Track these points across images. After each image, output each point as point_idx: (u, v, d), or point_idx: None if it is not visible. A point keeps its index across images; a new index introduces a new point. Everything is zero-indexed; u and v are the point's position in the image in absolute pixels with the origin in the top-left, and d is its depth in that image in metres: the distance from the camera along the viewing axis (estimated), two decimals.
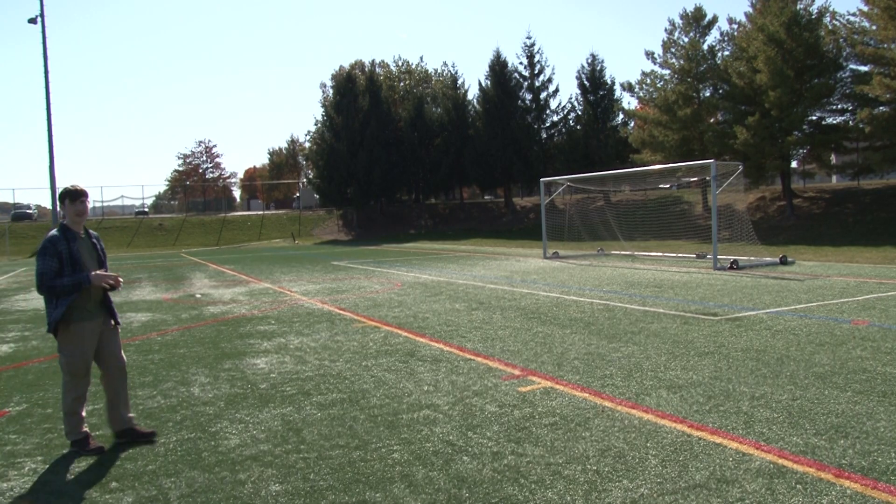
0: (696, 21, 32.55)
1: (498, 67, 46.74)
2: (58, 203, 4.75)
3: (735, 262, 15.86)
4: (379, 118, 49.19)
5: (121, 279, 4.79)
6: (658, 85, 33.54)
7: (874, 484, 3.61)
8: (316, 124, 58.56)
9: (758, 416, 4.81)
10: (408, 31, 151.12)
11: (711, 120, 32.31)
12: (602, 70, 44.23)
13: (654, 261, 19.09)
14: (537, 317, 9.59)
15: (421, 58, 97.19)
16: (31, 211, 55.67)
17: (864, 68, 26.79)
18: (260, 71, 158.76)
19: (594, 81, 44.04)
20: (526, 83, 47.27)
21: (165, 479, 4.13)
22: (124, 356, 4.94)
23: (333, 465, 4.22)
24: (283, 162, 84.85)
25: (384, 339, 8.39)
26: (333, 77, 55.19)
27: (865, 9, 25.78)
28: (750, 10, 31.41)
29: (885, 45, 24.69)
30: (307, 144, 71.25)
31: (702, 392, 5.46)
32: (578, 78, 44.63)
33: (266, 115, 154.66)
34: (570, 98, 55.27)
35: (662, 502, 3.51)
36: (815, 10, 27.45)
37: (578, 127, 44.77)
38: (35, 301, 14.41)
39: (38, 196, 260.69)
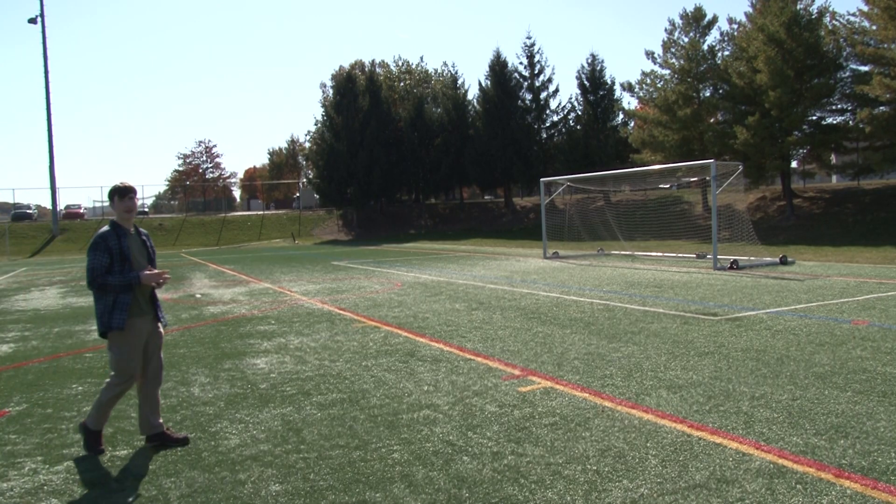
0: (696, 21, 32.55)
1: (498, 67, 46.73)
2: (105, 200, 4.72)
3: (735, 262, 15.86)
4: (379, 118, 49.19)
5: (167, 275, 4.77)
6: (658, 85, 33.54)
7: (874, 484, 3.61)
8: (316, 124, 58.62)
9: (758, 416, 4.81)
10: (408, 31, 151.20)
11: (711, 120, 32.31)
12: (602, 70, 44.23)
13: (654, 261, 19.09)
14: (537, 317, 9.59)
15: (421, 58, 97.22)
16: (31, 211, 55.55)
17: (864, 68, 26.80)
18: (260, 71, 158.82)
19: (594, 81, 44.03)
20: (526, 83, 47.26)
21: (165, 479, 4.13)
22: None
23: (333, 465, 4.22)
24: (283, 162, 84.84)
25: (384, 339, 8.39)
26: (333, 77, 55.21)
27: (865, 9, 25.79)
28: (750, 10, 31.43)
29: (885, 45, 24.69)
30: (307, 144, 71.28)
31: (702, 392, 5.46)
32: (578, 78, 44.64)
33: (266, 115, 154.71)
34: (570, 98, 55.31)
35: (662, 502, 3.51)
36: (815, 10, 27.46)
37: (578, 127, 44.76)
38: (35, 301, 14.42)
39: (38, 196, 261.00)
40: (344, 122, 49.01)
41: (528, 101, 47.11)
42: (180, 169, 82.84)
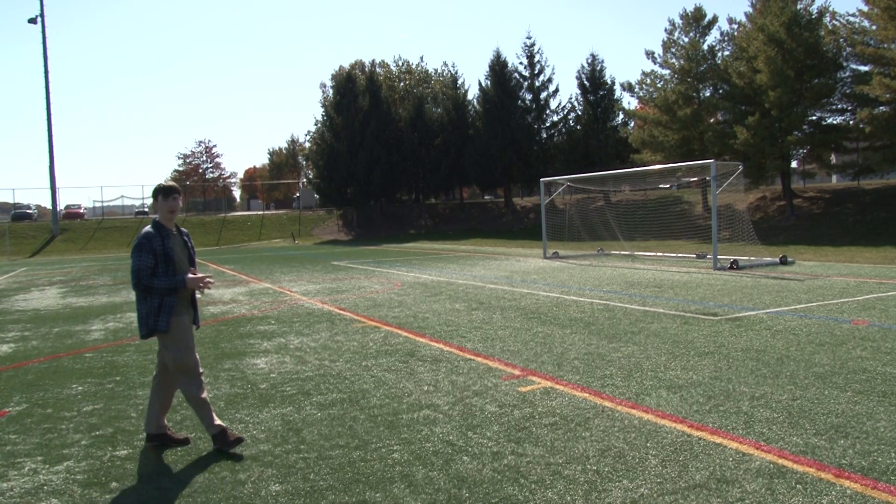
0: (696, 21, 32.56)
1: (498, 67, 46.73)
2: (149, 200, 4.65)
3: (735, 262, 15.86)
4: (379, 118, 49.19)
5: (211, 280, 4.76)
6: (658, 85, 33.54)
7: (874, 484, 3.61)
8: (316, 124, 58.60)
9: (758, 416, 4.81)
10: (408, 31, 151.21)
11: (711, 120, 32.31)
12: (602, 70, 44.22)
13: (654, 261, 19.09)
14: (537, 317, 9.59)
15: (421, 58, 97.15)
16: (31, 211, 55.54)
17: (864, 68, 26.80)
18: (260, 71, 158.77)
19: (594, 81, 44.03)
20: (526, 83, 47.26)
21: (165, 479, 4.13)
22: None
23: (333, 465, 4.22)
24: (283, 162, 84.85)
25: (384, 339, 8.39)
26: (333, 77, 55.17)
27: (865, 9, 25.79)
28: (750, 10, 31.44)
29: (885, 45, 24.69)
30: (307, 144, 71.26)
31: (702, 392, 5.46)
32: (578, 78, 44.63)
33: (266, 115, 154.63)
34: (570, 98, 55.35)
35: (662, 502, 3.51)
36: (815, 10, 27.46)
37: (578, 127, 44.76)
38: (35, 301, 14.42)
39: (38, 196, 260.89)
40: (344, 122, 49.01)
41: (528, 101, 47.11)
42: (180, 169, 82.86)
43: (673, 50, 33.13)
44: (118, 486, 4.05)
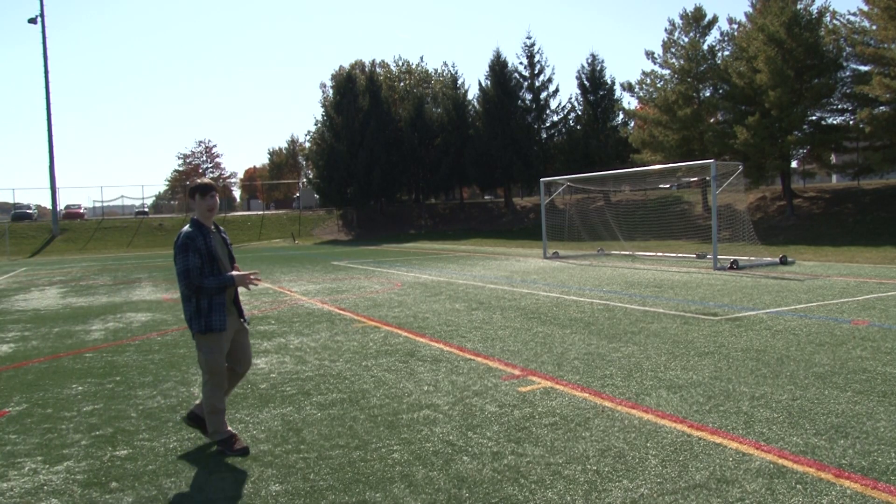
0: (696, 21, 32.55)
1: (498, 67, 46.74)
2: (186, 198, 4.64)
3: (735, 262, 15.86)
4: (379, 118, 49.19)
5: (258, 277, 4.73)
6: (658, 85, 33.53)
7: (874, 484, 3.61)
8: (316, 124, 58.57)
9: (758, 416, 4.81)
10: (408, 32, 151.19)
11: (711, 120, 32.31)
12: (602, 70, 44.25)
13: (654, 261, 19.09)
14: (537, 317, 9.59)
15: (421, 58, 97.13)
16: (31, 211, 55.51)
17: (864, 68, 26.79)
18: (260, 71, 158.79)
19: (594, 81, 44.04)
20: (526, 83, 47.28)
21: (165, 479, 4.13)
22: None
23: (333, 465, 4.22)
24: (283, 162, 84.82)
25: (384, 339, 8.39)
26: (333, 77, 55.18)
27: (865, 9, 25.79)
28: (750, 10, 31.43)
29: (885, 45, 24.69)
30: (307, 144, 71.23)
31: (702, 392, 5.46)
32: (578, 78, 44.65)
33: (266, 115, 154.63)
34: (570, 98, 55.33)
35: (662, 502, 3.51)
36: (816, 10, 27.46)
37: (578, 127, 44.77)
38: (35, 301, 14.42)
39: (38, 196, 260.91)
40: (344, 122, 49.01)
41: (528, 101, 47.13)
42: (180, 169, 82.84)
43: (673, 50, 33.12)
44: (118, 486, 4.05)
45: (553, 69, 78.00)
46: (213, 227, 4.69)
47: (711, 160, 16.99)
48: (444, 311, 10.45)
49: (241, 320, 4.80)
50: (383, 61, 62.74)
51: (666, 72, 33.43)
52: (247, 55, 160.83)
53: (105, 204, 58.91)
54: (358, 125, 48.49)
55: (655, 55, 33.92)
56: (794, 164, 32.77)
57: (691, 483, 3.73)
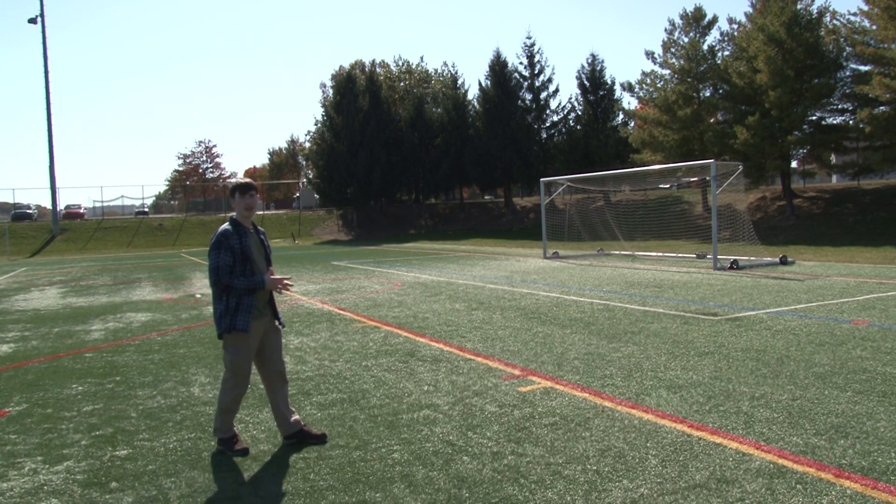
0: (696, 21, 32.56)
1: (498, 67, 46.73)
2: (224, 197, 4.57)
3: (735, 262, 15.86)
4: (379, 118, 49.18)
5: (290, 284, 4.68)
6: (658, 85, 33.54)
7: (874, 484, 3.61)
8: (316, 124, 58.57)
9: (758, 416, 4.81)
10: (408, 32, 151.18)
11: (711, 120, 32.32)
12: (602, 70, 44.24)
13: (654, 261, 19.09)
14: (537, 317, 9.59)
15: (421, 58, 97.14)
16: (31, 211, 55.50)
17: (864, 68, 26.80)
18: (260, 71, 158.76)
19: (594, 81, 44.04)
20: (526, 83, 47.27)
21: (165, 479, 4.13)
22: (284, 360, 4.85)
23: (333, 465, 4.22)
24: (283, 162, 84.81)
25: (384, 339, 8.39)
26: (333, 77, 55.20)
27: (865, 8, 25.79)
28: (750, 10, 31.45)
29: (885, 45, 24.69)
30: (307, 144, 71.25)
31: (702, 392, 5.46)
32: (578, 78, 44.64)
33: (266, 115, 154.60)
34: (570, 98, 55.28)
35: (662, 502, 3.51)
36: (816, 10, 27.47)
37: (578, 127, 44.77)
38: (35, 301, 14.42)
39: (38, 196, 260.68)
40: (344, 122, 49.01)
41: (528, 101, 47.11)
42: (180, 169, 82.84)
43: (673, 50, 33.13)
44: (118, 486, 4.04)
45: (553, 69, 78.12)
46: (251, 227, 4.66)
47: (711, 160, 16.99)
48: (444, 311, 10.45)
49: (276, 322, 4.74)
50: (383, 61, 62.81)
51: (666, 72, 33.45)
52: (247, 55, 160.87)
53: (105, 204, 58.94)
54: (358, 125, 48.49)
55: (655, 55, 33.94)
56: (794, 164, 32.79)
57: (691, 483, 3.73)
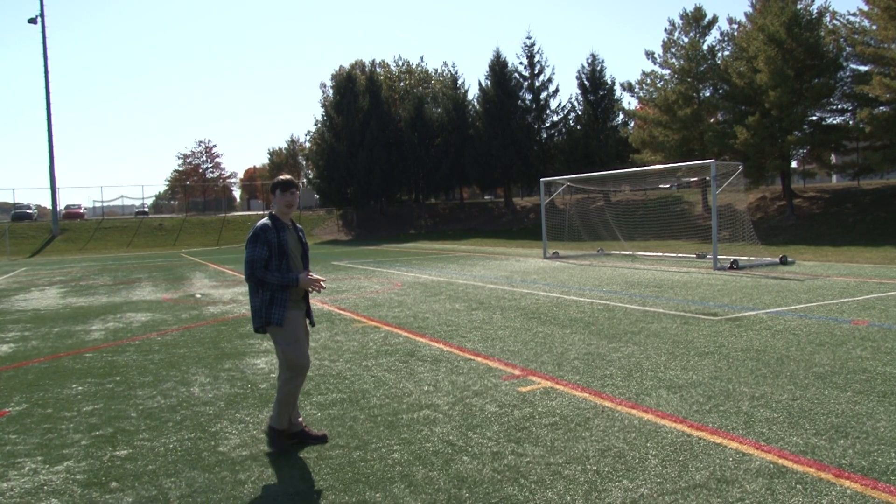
0: (696, 21, 32.56)
1: (498, 67, 46.74)
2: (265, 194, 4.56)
3: (735, 262, 15.86)
4: (379, 118, 49.18)
5: (324, 284, 4.66)
6: (658, 85, 33.55)
7: (874, 484, 3.61)
8: (316, 124, 58.60)
9: (758, 416, 4.81)
10: (408, 32, 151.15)
11: (711, 120, 32.32)
12: (602, 70, 44.27)
13: (654, 261, 19.09)
14: (537, 317, 9.58)
15: (421, 58, 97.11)
16: (31, 211, 55.49)
17: (864, 68, 26.80)
18: (260, 71, 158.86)
19: (594, 81, 44.05)
20: (526, 83, 47.28)
21: (165, 479, 4.13)
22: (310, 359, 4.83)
23: (333, 465, 4.22)
24: (283, 162, 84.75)
25: (384, 339, 8.39)
26: (333, 77, 55.20)
27: (865, 8, 25.80)
28: (750, 10, 31.47)
29: (885, 45, 24.69)
30: (307, 144, 71.25)
31: (702, 392, 5.46)
32: (578, 78, 44.66)
33: (266, 115, 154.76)
34: (570, 98, 55.41)
35: (662, 502, 3.51)
36: (816, 10, 27.47)
37: (578, 127, 44.78)
38: (35, 301, 14.42)
39: (38, 196, 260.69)
40: (344, 122, 49.01)
41: (528, 101, 47.13)
42: (180, 169, 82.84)
43: (673, 50, 33.13)
44: (118, 486, 4.04)
45: (553, 69, 78.10)
46: (290, 223, 4.68)
47: (711, 160, 16.99)
48: (444, 311, 10.45)
49: (307, 320, 4.74)
50: (383, 61, 62.81)
51: (666, 72, 33.46)
52: (247, 55, 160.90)
53: (105, 204, 58.94)
54: (358, 125, 48.49)
55: (655, 55, 33.95)
56: (794, 164, 32.79)
57: (691, 483, 3.73)
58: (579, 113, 45.37)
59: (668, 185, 37.43)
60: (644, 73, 36.06)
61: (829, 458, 3.99)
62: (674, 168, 23.35)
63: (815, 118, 28.56)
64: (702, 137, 30.34)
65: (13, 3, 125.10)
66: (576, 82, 45.12)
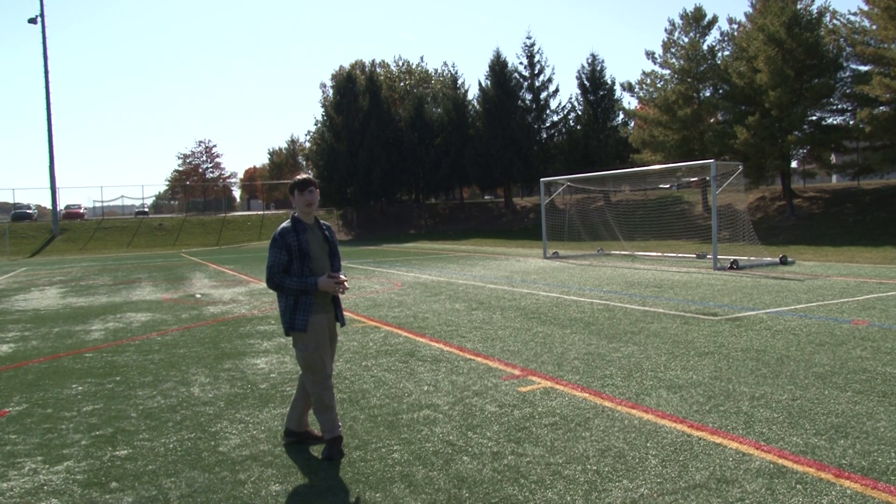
0: (696, 21, 32.55)
1: (498, 67, 46.73)
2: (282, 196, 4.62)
3: (735, 262, 15.86)
4: (379, 118, 49.18)
5: (347, 283, 4.55)
6: (658, 85, 33.54)
7: (874, 484, 3.61)
8: (316, 124, 58.58)
9: (758, 416, 4.81)
10: (408, 32, 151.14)
11: (711, 120, 32.31)
12: (602, 70, 44.22)
13: (654, 261, 19.09)
14: (537, 317, 9.58)
15: (421, 58, 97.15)
16: (31, 211, 55.50)
17: (864, 68, 26.80)
18: (260, 71, 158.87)
19: (594, 81, 44.03)
20: (526, 83, 47.26)
21: (165, 479, 4.13)
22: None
23: (333, 465, 4.22)
24: (284, 162, 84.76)
25: (384, 339, 8.39)
26: (333, 77, 55.23)
27: (866, 8, 25.79)
28: (750, 10, 31.45)
29: (885, 45, 24.68)
30: (307, 144, 71.25)
31: (702, 392, 5.46)
32: (578, 78, 44.63)
33: (266, 115, 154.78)
34: (570, 98, 55.42)
35: (662, 502, 3.51)
36: (816, 10, 27.47)
37: (578, 127, 44.76)
38: (35, 301, 14.41)
39: (38, 196, 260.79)
40: (344, 122, 49.01)
41: (528, 101, 47.11)
42: (180, 169, 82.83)
43: (673, 50, 33.12)
44: (118, 486, 4.04)
45: (553, 69, 78.09)
46: (314, 222, 4.62)
47: (711, 160, 16.99)
48: (444, 311, 10.45)
49: (337, 322, 4.67)
50: (383, 61, 62.82)
51: (666, 72, 33.45)
52: (247, 55, 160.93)
53: (105, 204, 58.95)
54: (358, 125, 48.49)
55: (655, 55, 33.94)
56: (794, 164, 32.78)
57: (691, 483, 3.73)
58: (579, 113, 45.36)
59: (668, 185, 37.43)
60: (644, 73, 36.10)
61: (829, 458, 3.99)
62: (674, 168, 23.35)
63: (815, 118, 28.55)
64: (702, 137, 30.34)
65: (13, 3, 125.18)
66: (576, 82, 45.14)
